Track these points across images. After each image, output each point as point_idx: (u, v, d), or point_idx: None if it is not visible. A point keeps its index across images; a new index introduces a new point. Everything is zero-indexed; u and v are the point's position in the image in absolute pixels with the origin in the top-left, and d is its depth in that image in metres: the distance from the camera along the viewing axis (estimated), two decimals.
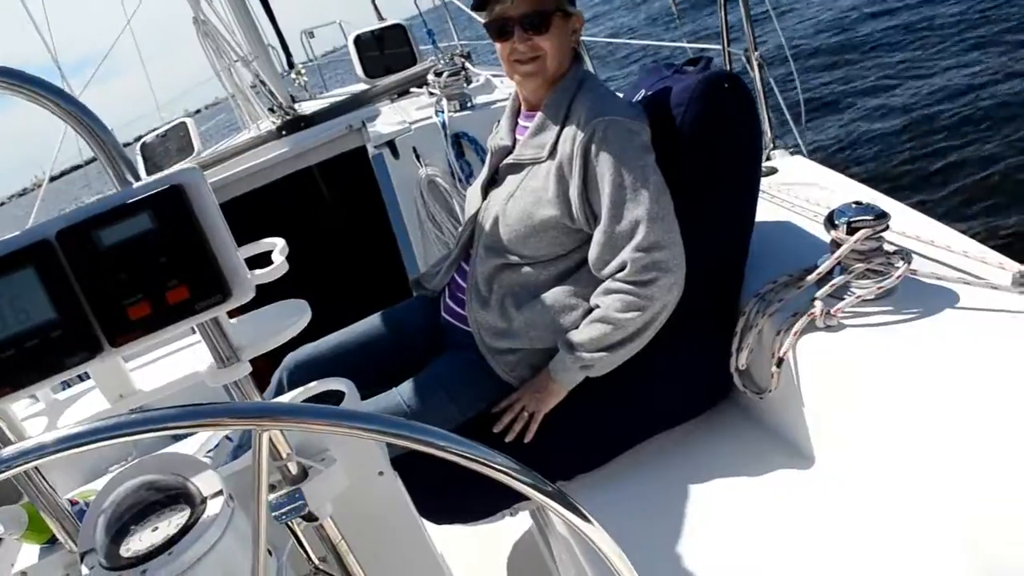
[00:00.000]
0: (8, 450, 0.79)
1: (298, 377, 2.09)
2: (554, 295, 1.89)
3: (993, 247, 1.79)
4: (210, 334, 1.03)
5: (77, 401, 1.19)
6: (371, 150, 3.58)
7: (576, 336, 1.82)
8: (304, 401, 1.39)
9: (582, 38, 2.05)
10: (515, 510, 2.00)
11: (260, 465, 0.89)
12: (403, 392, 1.94)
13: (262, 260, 1.20)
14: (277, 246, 1.24)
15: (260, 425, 0.84)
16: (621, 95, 2.17)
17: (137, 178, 0.98)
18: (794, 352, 1.70)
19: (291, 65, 6.86)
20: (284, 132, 4.05)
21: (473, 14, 1.98)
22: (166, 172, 0.92)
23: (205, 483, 1.03)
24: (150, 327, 0.91)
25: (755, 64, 2.90)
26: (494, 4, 1.89)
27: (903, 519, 1.43)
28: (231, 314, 1.05)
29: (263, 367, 1.11)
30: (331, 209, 4.52)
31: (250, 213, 4.10)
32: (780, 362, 1.71)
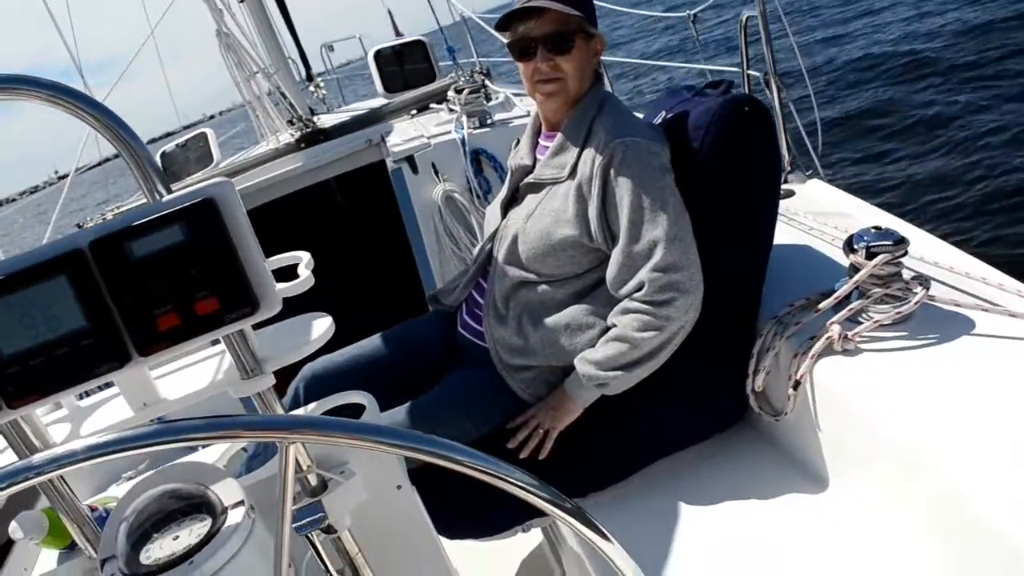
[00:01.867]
0: (38, 457, 0.80)
1: (315, 388, 2.10)
2: (571, 313, 1.90)
3: (1012, 274, 1.79)
4: (235, 346, 1.04)
5: (100, 408, 1.20)
6: (391, 165, 3.60)
7: (593, 354, 1.83)
8: (325, 414, 1.40)
9: (603, 58, 2.07)
10: (527, 526, 2.01)
11: (286, 477, 0.90)
12: (419, 406, 1.95)
13: (286, 273, 1.21)
14: (303, 260, 1.25)
15: (288, 438, 0.85)
16: (641, 116, 2.18)
17: (169, 190, 0.99)
18: (811, 375, 1.70)
19: (310, 78, 6.92)
20: (303, 145, 4.09)
21: (496, 33, 2.00)
22: (199, 184, 0.93)
23: (226, 493, 1.04)
24: (179, 338, 0.92)
25: (774, 87, 2.91)
26: (517, 24, 1.91)
27: (916, 545, 1.42)
28: (255, 326, 1.06)
29: (279, 377, 1.12)
30: (348, 222, 4.54)
31: (268, 224, 4.11)
32: (797, 385, 1.71)
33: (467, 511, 1.87)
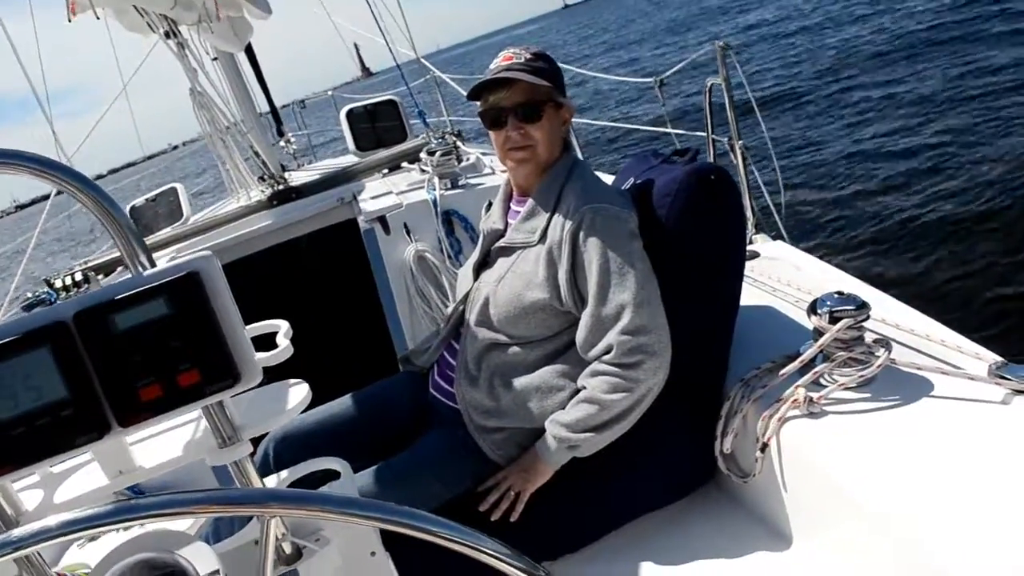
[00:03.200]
0: (16, 532, 0.80)
1: (284, 450, 2.09)
2: (542, 375, 1.92)
3: (969, 336, 1.85)
4: (214, 415, 1.05)
5: (73, 475, 1.19)
6: (363, 224, 3.63)
7: (563, 416, 1.85)
8: (299, 480, 1.40)
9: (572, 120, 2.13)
10: None
11: (266, 550, 0.90)
12: (389, 469, 1.95)
13: (265, 340, 1.23)
14: (282, 329, 1.26)
15: (269, 512, 0.86)
16: (610, 181, 2.24)
17: (152, 263, 1.01)
18: (778, 437, 1.73)
19: (280, 134, 6.97)
20: (275, 202, 4.10)
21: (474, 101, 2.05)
22: (182, 259, 0.95)
23: (201, 562, 1.04)
24: (160, 409, 0.93)
25: (738, 151, 3.00)
26: (488, 94, 1.97)
27: None
28: None
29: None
30: (319, 280, 4.55)
31: (239, 282, 4.10)
32: (764, 447, 1.74)
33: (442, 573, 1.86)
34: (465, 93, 2.12)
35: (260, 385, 1.07)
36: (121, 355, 0.92)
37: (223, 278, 0.96)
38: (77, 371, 0.91)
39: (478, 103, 2.01)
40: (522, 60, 1.94)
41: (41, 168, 0.96)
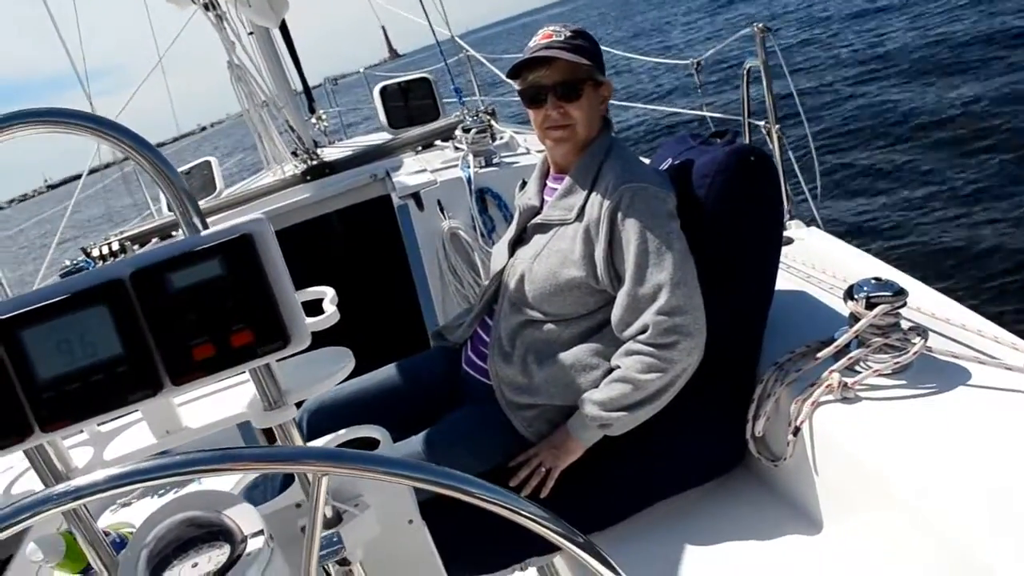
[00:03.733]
0: (65, 485, 0.82)
1: (317, 420, 2.12)
2: (576, 354, 1.93)
3: (1006, 327, 1.83)
4: (261, 377, 1.07)
5: (121, 434, 1.22)
6: (396, 200, 3.64)
7: (596, 395, 1.85)
8: (340, 446, 1.42)
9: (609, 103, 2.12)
10: (525, 564, 2.02)
11: (317, 508, 0.92)
12: (421, 442, 1.97)
13: (311, 307, 1.24)
14: (327, 295, 1.28)
15: (322, 470, 0.87)
16: (648, 161, 2.23)
17: (206, 224, 1.03)
18: (810, 422, 1.73)
19: (312, 110, 7.00)
20: (309, 177, 4.13)
21: (510, 81, 2.05)
22: (237, 220, 0.97)
23: (246, 521, 1.06)
24: (212, 368, 0.95)
25: (775, 136, 2.98)
26: (528, 73, 1.97)
27: None
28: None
29: None
30: (351, 256, 4.58)
31: None
32: (797, 431, 1.74)
33: (471, 548, 1.88)
34: (499, 72, 2.12)
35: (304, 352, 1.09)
36: (176, 314, 0.93)
37: (275, 241, 0.98)
38: (132, 329, 0.93)
39: (515, 82, 2.02)
40: (562, 38, 1.94)
41: (101, 128, 0.98)
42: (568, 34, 1.94)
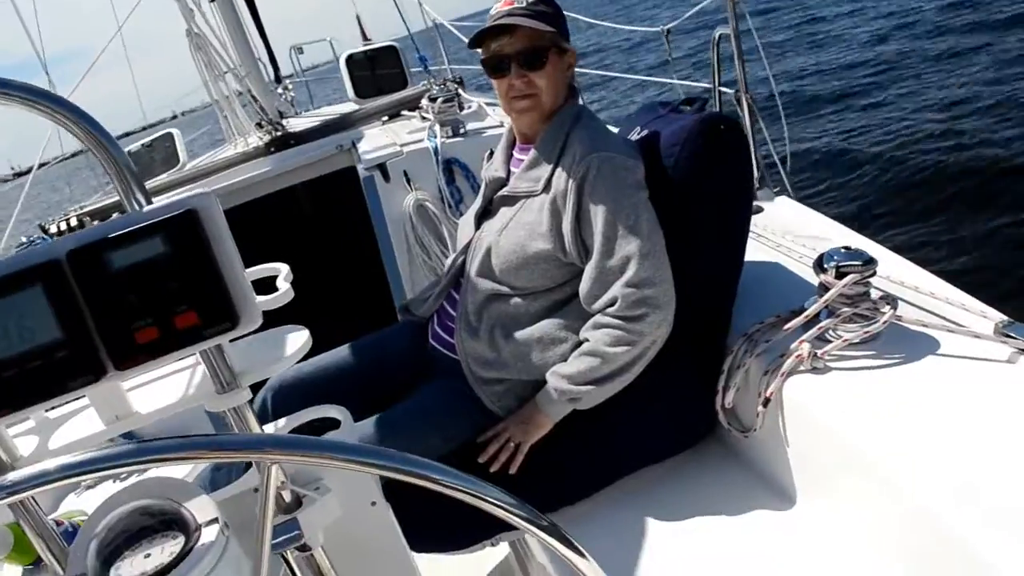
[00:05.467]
0: (10, 476, 0.78)
1: (281, 399, 2.08)
2: (543, 327, 1.90)
3: (974, 293, 1.83)
4: (212, 359, 1.03)
5: (69, 421, 1.18)
6: (362, 172, 3.58)
7: (564, 369, 1.83)
8: (299, 428, 1.39)
9: (577, 70, 2.08)
10: (496, 540, 2.00)
11: (267, 496, 0.88)
12: (388, 419, 1.93)
13: (264, 285, 1.20)
14: (282, 272, 1.23)
15: (270, 457, 0.84)
16: (616, 130, 2.20)
17: (149, 200, 0.98)
18: (780, 393, 1.72)
19: (279, 80, 6.87)
20: (273, 149, 4.05)
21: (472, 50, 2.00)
22: (181, 195, 0.92)
23: (200, 510, 1.02)
24: (157, 352, 0.91)
25: (745, 104, 2.95)
26: (490, 41, 1.92)
27: (882, 560, 1.44)
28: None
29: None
30: (317, 228, 4.51)
31: (236, 229, 4.06)
32: (767, 402, 1.73)
33: (437, 526, 1.86)
34: (466, 40, 2.06)
35: (259, 331, 1.05)
36: (117, 295, 0.89)
37: (223, 217, 0.93)
38: (71, 311, 0.88)
39: (479, 51, 1.96)
40: (523, 4, 1.89)
41: (33, 98, 0.92)
42: (530, 0, 1.89)
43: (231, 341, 1.03)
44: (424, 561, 1.88)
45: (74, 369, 0.90)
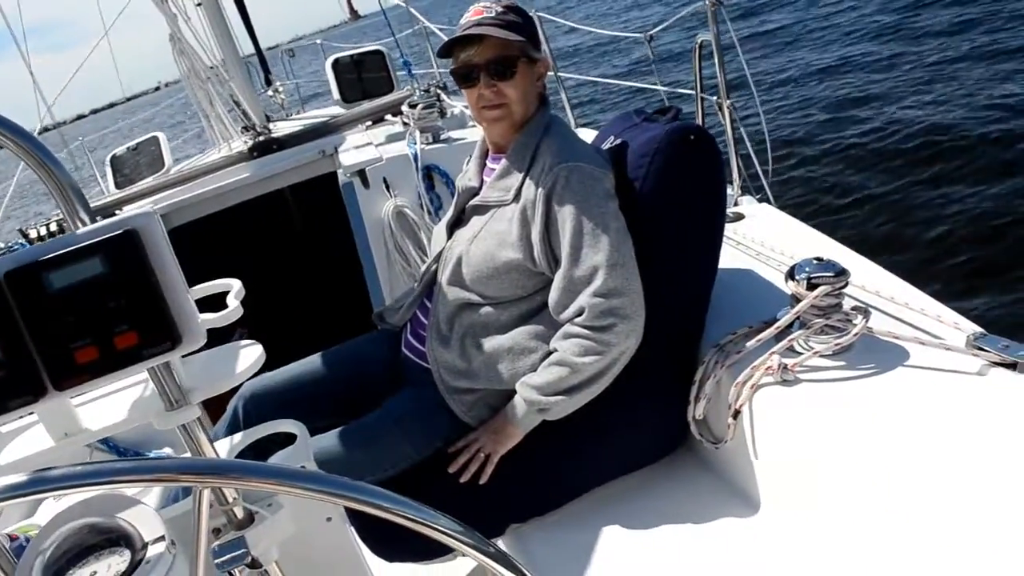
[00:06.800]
0: None
1: (254, 406, 2.07)
2: (514, 337, 1.89)
3: (950, 304, 1.83)
4: (160, 377, 1.02)
5: (18, 437, 1.16)
6: (342, 178, 3.56)
7: (534, 379, 1.82)
8: (255, 444, 1.38)
9: (561, 75, 2.07)
10: None
11: (200, 521, 0.88)
12: (359, 428, 1.93)
13: (217, 299, 1.19)
14: (233, 288, 1.22)
15: (204, 482, 0.83)
16: (589, 140, 2.19)
17: (92, 219, 0.97)
18: (750, 404, 1.72)
19: (269, 82, 6.84)
20: (256, 153, 4.03)
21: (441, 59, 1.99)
22: (120, 216, 0.91)
23: (147, 526, 1.02)
24: (96, 372, 0.90)
25: (727, 111, 2.95)
26: (459, 51, 1.91)
27: (848, 573, 1.44)
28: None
29: (219, 395, 1.10)
30: (299, 233, 4.48)
31: (218, 234, 4.06)
32: (736, 414, 1.73)
33: (407, 534, 1.85)
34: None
35: (254, 338, 1.04)
36: (55, 316, 0.88)
37: (164, 236, 0.92)
38: (9, 332, 0.87)
39: (449, 61, 1.96)
40: (493, 14, 1.88)
41: None
42: (500, 9, 1.88)
43: (182, 358, 1.02)
44: (394, 569, 1.87)
45: (13, 389, 0.89)
